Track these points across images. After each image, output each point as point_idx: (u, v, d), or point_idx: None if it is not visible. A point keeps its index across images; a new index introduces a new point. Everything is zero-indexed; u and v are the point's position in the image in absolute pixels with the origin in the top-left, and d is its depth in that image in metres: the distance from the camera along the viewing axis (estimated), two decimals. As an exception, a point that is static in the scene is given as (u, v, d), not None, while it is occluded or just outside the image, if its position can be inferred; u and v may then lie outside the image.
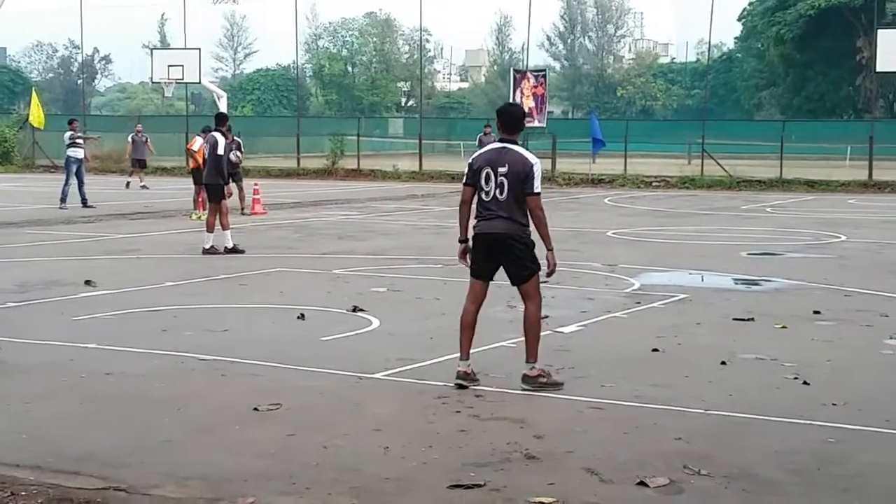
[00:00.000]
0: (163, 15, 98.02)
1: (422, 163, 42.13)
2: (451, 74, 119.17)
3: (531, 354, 8.50)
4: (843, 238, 20.13)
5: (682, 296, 13.07)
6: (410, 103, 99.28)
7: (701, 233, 21.07)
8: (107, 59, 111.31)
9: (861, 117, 63.21)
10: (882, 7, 61.36)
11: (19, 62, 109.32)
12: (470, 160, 8.57)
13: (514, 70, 43.36)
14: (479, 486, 6.17)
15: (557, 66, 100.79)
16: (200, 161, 24.77)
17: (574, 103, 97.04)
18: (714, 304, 12.57)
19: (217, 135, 17.21)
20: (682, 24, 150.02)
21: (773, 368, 9.19)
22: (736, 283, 14.53)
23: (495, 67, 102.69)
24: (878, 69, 34.87)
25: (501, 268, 8.63)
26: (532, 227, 8.49)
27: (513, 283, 8.65)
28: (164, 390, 8.39)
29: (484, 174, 8.35)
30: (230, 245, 17.15)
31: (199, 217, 23.22)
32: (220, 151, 17.08)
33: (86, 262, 16.09)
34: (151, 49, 61.22)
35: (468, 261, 8.71)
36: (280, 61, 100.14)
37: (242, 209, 24.33)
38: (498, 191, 8.29)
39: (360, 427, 7.37)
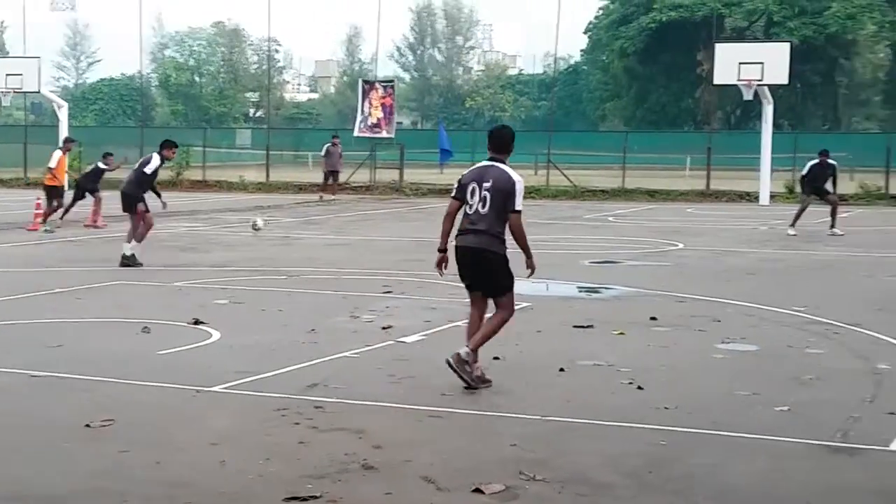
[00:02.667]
0: (2, 22, 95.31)
1: (269, 174, 41.80)
2: (300, 85, 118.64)
3: (475, 344, 8.81)
4: (681, 246, 20.67)
5: (525, 304, 13.17)
6: (259, 114, 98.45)
7: (545, 242, 21.34)
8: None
9: (700, 129, 65.06)
10: (721, 22, 63.36)
11: None
12: (460, 176, 8.97)
13: (363, 80, 43.33)
14: (316, 497, 6.13)
15: (407, 76, 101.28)
16: (61, 177, 24.14)
17: (423, 114, 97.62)
18: (555, 312, 12.75)
19: (155, 155, 16.91)
20: (530, 37, 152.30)
21: (610, 374, 9.37)
22: (577, 291, 14.77)
23: (345, 78, 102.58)
24: (716, 82, 35.86)
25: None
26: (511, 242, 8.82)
27: (486, 295, 9.02)
28: (-8, 408, 8.12)
29: (470, 189, 8.75)
30: (127, 254, 16.76)
31: (48, 230, 22.64)
32: (148, 170, 16.87)
33: (-86, 277, 15.50)
34: (-12, 57, 59.36)
35: (442, 270, 9.09)
36: (125, 70, 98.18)
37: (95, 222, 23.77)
38: (481, 204, 8.67)
39: (196, 441, 7.26)
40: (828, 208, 23.03)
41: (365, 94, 40.06)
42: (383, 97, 39.82)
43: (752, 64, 32.72)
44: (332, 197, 33.24)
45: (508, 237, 8.88)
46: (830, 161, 23.14)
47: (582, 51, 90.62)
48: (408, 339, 10.89)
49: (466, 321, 9.19)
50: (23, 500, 6.08)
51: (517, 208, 8.66)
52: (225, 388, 8.72)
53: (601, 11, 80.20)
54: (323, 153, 34.48)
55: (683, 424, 7.69)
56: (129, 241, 16.81)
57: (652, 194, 36.31)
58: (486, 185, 8.67)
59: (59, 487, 6.33)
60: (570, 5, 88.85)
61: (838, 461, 6.96)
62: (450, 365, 8.73)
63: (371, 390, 8.72)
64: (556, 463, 6.81)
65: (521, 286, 14.88)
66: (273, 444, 7.23)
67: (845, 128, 75.10)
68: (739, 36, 67.80)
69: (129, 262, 16.60)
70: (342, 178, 36.24)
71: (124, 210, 17.10)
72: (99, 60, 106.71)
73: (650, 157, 45.24)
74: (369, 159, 40.38)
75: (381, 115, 39.51)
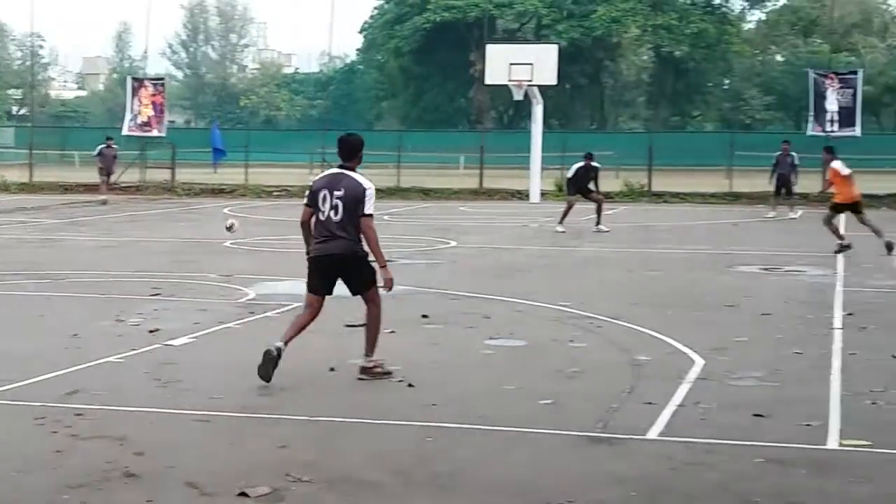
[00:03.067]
0: None
1: (32, 174, 40.23)
2: (66, 82, 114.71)
3: (370, 348, 9.16)
4: (454, 244, 20.95)
5: (297, 304, 13.05)
6: (22, 111, 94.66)
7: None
8: None
9: (474, 128, 66.16)
10: (492, 23, 64.61)
11: None
12: (311, 183, 9.34)
13: (133, 78, 42.19)
14: (74, 508, 5.93)
15: (180, 74, 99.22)
16: None
17: (197, 112, 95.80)
18: (327, 311, 12.64)
19: None
20: (306, 35, 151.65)
21: (380, 372, 9.40)
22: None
23: (115, 75, 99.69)
24: (488, 82, 36.55)
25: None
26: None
27: (353, 294, 9.37)
28: None
29: (321, 196, 9.03)
30: None
31: None
32: None
33: None
34: None
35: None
36: None
37: None
38: (333, 212, 8.96)
39: (-55, 454, 6.91)
40: (594, 206, 23.76)
41: (134, 91, 39.06)
42: (153, 95, 38.92)
43: (521, 65, 33.42)
44: (103, 197, 32.25)
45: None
46: (595, 164, 23.91)
47: (358, 50, 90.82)
48: (175, 342, 10.66)
49: (238, 322, 9.08)
50: None
51: (368, 212, 8.99)
52: (-20, 399, 8.33)
53: (376, 11, 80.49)
54: (95, 153, 33.35)
55: (451, 420, 7.78)
56: None
57: (427, 193, 36.69)
58: (338, 193, 8.97)
59: None
60: (345, 4, 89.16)
61: (598, 451, 7.17)
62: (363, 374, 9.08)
63: (135, 396, 8.50)
64: (325, 463, 6.79)
65: (296, 286, 14.85)
66: (30, 454, 6.96)
67: (611, 127, 77.69)
68: (510, 37, 69.21)
69: None
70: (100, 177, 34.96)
71: None
72: None
73: (425, 156, 45.71)
74: (139, 159, 39.37)
75: (151, 113, 38.61)
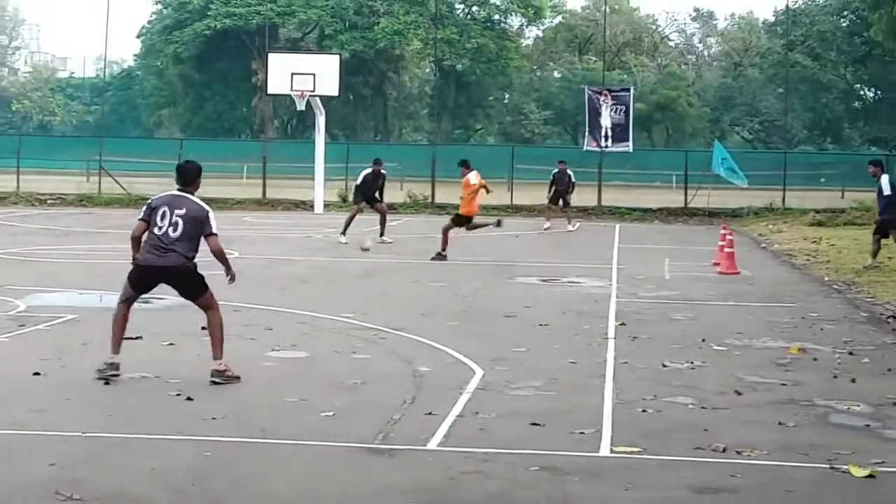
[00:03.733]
0: None
1: None
2: None
3: (217, 352, 9.51)
4: (237, 254, 20.63)
5: (71, 316, 12.73)
6: None
7: (95, 251, 20.69)
8: None
9: (257, 137, 65.53)
10: (274, 31, 64.16)
11: None
12: (150, 200, 9.84)
13: None
14: None
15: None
16: None
17: None
18: (104, 324, 12.29)
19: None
20: (82, 39, 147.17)
21: (158, 386, 9.20)
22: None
23: None
24: (270, 91, 36.26)
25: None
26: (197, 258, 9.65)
27: (189, 300, 9.94)
28: None
29: (161, 212, 9.54)
30: None
31: None
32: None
33: None
34: None
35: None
36: None
37: None
38: (171, 229, 9.48)
39: None
40: (377, 217, 23.86)
41: None
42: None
43: (304, 74, 33.24)
44: None
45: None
46: (383, 171, 24.05)
47: (135, 55, 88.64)
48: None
49: (6, 335, 8.67)
50: None
51: (214, 231, 9.62)
52: None
53: (154, 16, 78.75)
54: None
55: (230, 434, 7.67)
56: None
57: (209, 202, 35.98)
58: (179, 211, 9.53)
59: None
60: (121, 8, 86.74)
61: (378, 462, 7.18)
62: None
63: None
64: (96, 480, 6.59)
65: (70, 297, 14.39)
66: None
67: (395, 139, 78.25)
68: (293, 46, 68.72)
69: None
70: None
71: None
72: None
73: (207, 165, 44.78)
74: None
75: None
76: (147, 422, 7.98)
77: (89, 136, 63.63)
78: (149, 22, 79.52)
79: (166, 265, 9.54)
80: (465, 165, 21.38)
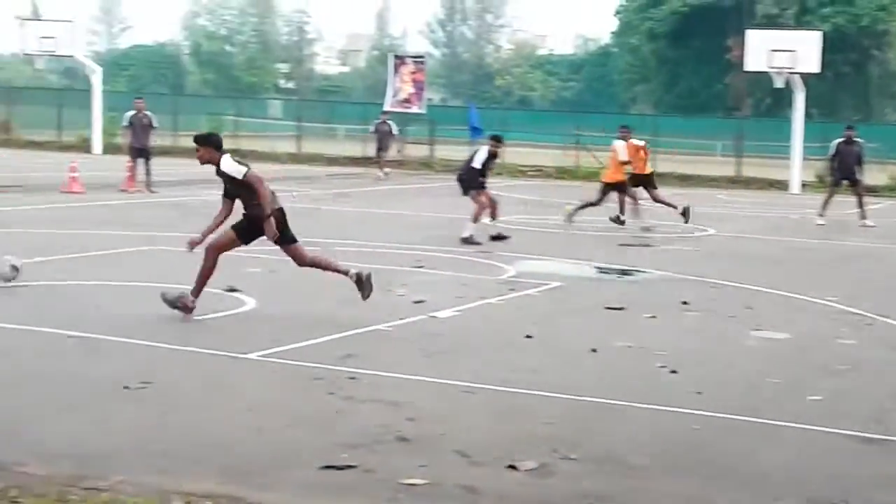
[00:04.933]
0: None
1: (300, 145, 41.85)
2: (330, 58, 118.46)
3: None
4: (712, 231, 20.62)
5: (557, 283, 13.25)
6: (289, 85, 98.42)
7: (577, 222, 21.32)
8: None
9: (731, 115, 64.69)
10: (752, 8, 62.95)
11: None
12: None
13: (394, 55, 43.29)
14: (352, 467, 6.19)
15: (437, 52, 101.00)
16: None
17: (453, 91, 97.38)
18: (587, 293, 12.78)
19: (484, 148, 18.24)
20: (561, 17, 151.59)
21: (643, 357, 9.39)
22: (609, 273, 14.79)
23: (375, 52, 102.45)
24: (747, 68, 35.66)
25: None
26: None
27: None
28: (33, 367, 8.24)
29: None
30: (493, 234, 17.58)
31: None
32: (476, 164, 17.87)
33: (-50, 236, 15.63)
34: (23, 20, 59.55)
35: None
36: (157, 38, 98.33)
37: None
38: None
39: (232, 407, 7.33)
40: (854, 199, 22.87)
41: (396, 69, 40.01)
42: (414, 73, 39.78)
43: (783, 52, 32.47)
44: (380, 172, 33.15)
45: None
46: (857, 138, 23.01)
47: (612, 32, 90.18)
48: (440, 315, 10.93)
49: (499, 298, 9.18)
50: (69, 458, 6.16)
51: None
52: (260, 356, 8.79)
53: (632, -7, 79.68)
54: (372, 129, 34.21)
55: (716, 409, 7.71)
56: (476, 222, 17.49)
57: (683, 179, 36.13)
58: None
59: (103, 445, 6.43)
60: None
61: (871, 451, 6.97)
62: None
63: (404, 364, 8.78)
64: (589, 443, 6.86)
65: (553, 266, 15.00)
66: (307, 412, 7.31)
67: (877, 119, 74.52)
68: (770, 22, 67.13)
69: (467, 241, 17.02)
70: (376, 152, 35.68)
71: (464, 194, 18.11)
72: (130, 27, 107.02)
73: (680, 142, 44.97)
74: (400, 134, 40.31)
75: (411, 90, 39.48)
76: (634, 391, 8.18)
77: (567, 111, 65.62)
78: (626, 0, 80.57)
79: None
80: None
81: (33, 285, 11.70)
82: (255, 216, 10.30)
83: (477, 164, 17.82)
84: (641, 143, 21.45)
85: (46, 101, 46.67)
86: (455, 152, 39.77)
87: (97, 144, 39.15)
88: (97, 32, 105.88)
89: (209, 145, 10.33)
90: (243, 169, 10.20)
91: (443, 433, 6.92)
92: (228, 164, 10.21)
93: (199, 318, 10.24)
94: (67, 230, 16.96)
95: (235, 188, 10.31)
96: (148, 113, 24.99)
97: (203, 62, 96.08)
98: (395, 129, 34.16)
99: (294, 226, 10.78)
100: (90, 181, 24.15)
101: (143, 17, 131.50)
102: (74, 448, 6.36)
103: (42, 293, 11.35)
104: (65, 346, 8.98)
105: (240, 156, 11.99)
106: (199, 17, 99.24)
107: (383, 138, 33.51)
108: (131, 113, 24.96)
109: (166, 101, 48.03)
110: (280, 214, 10.38)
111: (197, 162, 10.55)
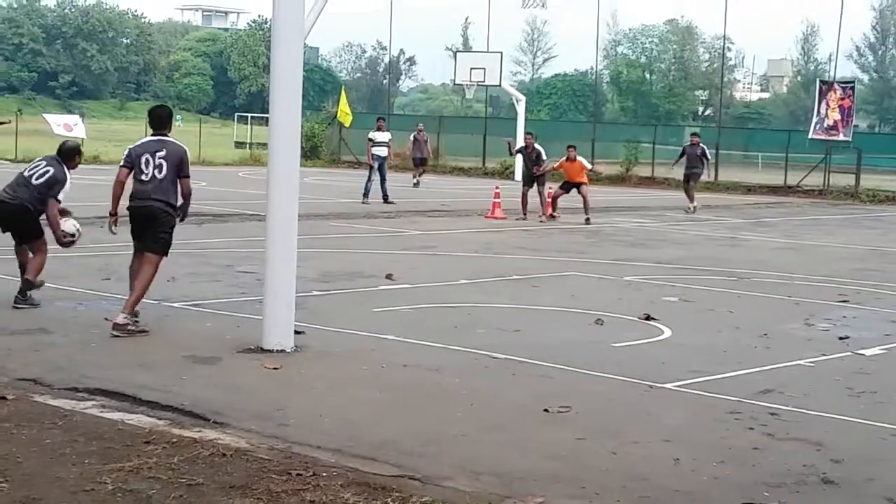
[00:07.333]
0: (466, 18, 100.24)
1: (717, 173, 41.27)
2: (751, 84, 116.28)
3: (129, 307, 9.98)
4: None
5: None
6: (707, 112, 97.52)
7: None
8: (411, 61, 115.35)
9: None
10: None
11: (330, 61, 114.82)
12: (128, 149, 10.35)
13: (820, 81, 41.86)
14: (774, 506, 6.01)
15: (865, 77, 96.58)
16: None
17: (881, 117, 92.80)
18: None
19: None
20: None
21: None
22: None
23: (798, 78, 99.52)
24: None
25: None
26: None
27: (144, 247, 10.22)
28: (457, 385, 8.59)
29: (143, 160, 10.09)
30: None
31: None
32: None
33: (385, 256, 16.64)
34: (455, 51, 62.62)
35: (113, 229, 10.51)
36: (577, 66, 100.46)
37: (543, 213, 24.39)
38: (156, 171, 10.05)
39: (650, 436, 7.31)
40: None
41: (822, 94, 38.63)
42: (841, 99, 38.23)
43: None
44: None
45: None
46: None
47: None
48: (867, 352, 10.41)
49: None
50: (493, 475, 6.37)
51: (188, 174, 10.20)
52: (678, 386, 8.72)
53: None
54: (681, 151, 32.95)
55: None
56: None
57: None
58: (160, 154, 10.05)
59: (516, 466, 6.59)
60: None
61: None
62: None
63: (828, 402, 8.42)
64: None
65: None
66: (727, 446, 7.16)
67: None
68: None
69: None
70: (795, 181, 34.63)
71: None
72: (554, 56, 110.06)
73: None
74: (823, 162, 38.90)
75: (837, 116, 37.98)
76: None
77: None
78: None
79: (148, 206, 10.06)
80: None
81: (455, 306, 12.23)
82: None
83: None
84: None
85: (472, 128, 48.72)
86: (884, 182, 37.89)
87: (518, 171, 40.42)
88: (521, 62, 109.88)
89: None
90: None
91: (871, 478, 6.58)
92: None
93: (617, 345, 10.31)
94: (489, 254, 17.61)
95: None
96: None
97: (622, 90, 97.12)
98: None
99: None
100: (511, 207, 24.90)
101: (565, 47, 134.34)
102: (497, 466, 6.56)
103: (463, 314, 11.81)
104: (486, 366, 9.29)
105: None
106: (619, 45, 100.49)
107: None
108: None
109: (584, 129, 48.89)
110: None
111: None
